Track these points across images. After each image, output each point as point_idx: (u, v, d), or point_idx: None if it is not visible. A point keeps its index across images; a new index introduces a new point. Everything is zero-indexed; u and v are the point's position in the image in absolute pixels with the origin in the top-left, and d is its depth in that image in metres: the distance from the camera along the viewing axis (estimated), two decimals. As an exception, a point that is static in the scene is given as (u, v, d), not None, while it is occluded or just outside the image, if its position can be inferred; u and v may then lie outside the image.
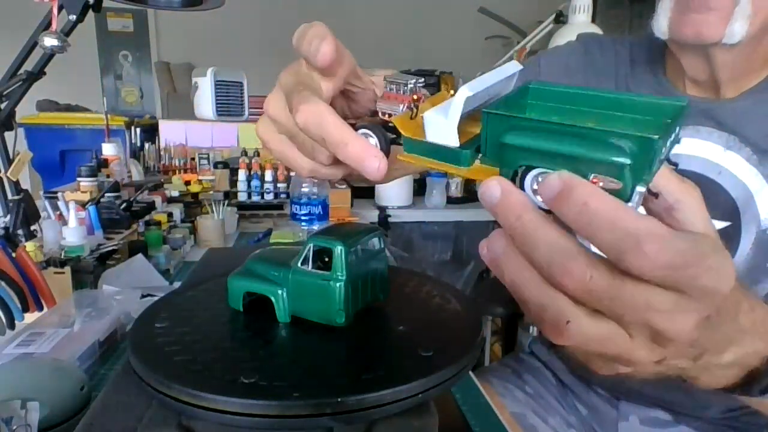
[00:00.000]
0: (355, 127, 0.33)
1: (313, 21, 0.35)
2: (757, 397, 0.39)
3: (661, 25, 0.61)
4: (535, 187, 0.26)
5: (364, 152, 0.31)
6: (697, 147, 0.66)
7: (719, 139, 0.65)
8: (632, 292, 0.24)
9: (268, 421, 0.29)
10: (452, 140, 0.29)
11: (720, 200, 0.65)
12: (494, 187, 0.26)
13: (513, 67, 0.32)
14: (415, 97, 0.33)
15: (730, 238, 0.64)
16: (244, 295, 0.39)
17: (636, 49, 0.74)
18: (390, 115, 0.33)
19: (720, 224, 0.65)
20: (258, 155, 1.56)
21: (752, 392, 0.39)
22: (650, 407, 0.75)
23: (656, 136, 0.23)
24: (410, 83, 0.33)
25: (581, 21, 1.60)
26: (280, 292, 0.37)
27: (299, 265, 0.37)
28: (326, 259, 0.36)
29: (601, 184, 0.24)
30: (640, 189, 0.24)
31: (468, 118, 0.29)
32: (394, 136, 0.33)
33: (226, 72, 1.81)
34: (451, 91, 0.32)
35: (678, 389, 0.70)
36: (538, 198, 0.26)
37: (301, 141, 0.36)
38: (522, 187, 0.27)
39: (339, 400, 0.29)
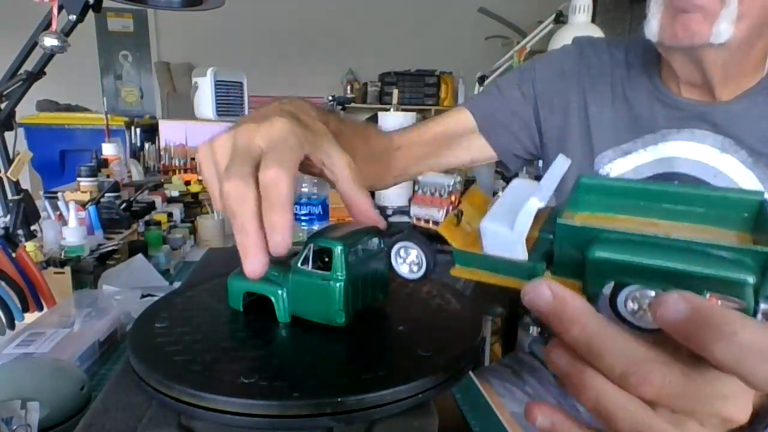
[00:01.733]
0: (394, 241, 0.31)
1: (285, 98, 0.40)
2: None
3: (652, 27, 0.62)
4: (633, 307, 0.24)
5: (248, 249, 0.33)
6: (692, 150, 0.66)
7: (714, 141, 0.65)
8: (703, 387, 0.23)
9: (268, 421, 0.29)
10: (520, 253, 0.27)
11: None
12: (544, 290, 0.23)
13: (563, 162, 0.30)
14: (453, 198, 0.30)
15: None
16: (244, 295, 0.39)
17: (632, 51, 0.75)
18: (426, 221, 0.30)
19: None
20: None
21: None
22: (650, 407, 0.75)
23: None
24: (448, 184, 0.30)
25: (581, 21, 1.60)
26: (280, 292, 0.37)
27: (299, 265, 0.37)
28: (326, 259, 0.36)
29: (719, 303, 0.22)
30: (764, 306, 0.22)
31: None
32: (437, 244, 0.30)
33: (226, 72, 1.81)
34: (486, 197, 0.30)
35: None
36: (644, 318, 0.24)
37: None
38: (614, 307, 0.24)
39: (339, 400, 0.29)
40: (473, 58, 3.66)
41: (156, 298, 0.47)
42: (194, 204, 1.30)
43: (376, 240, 0.38)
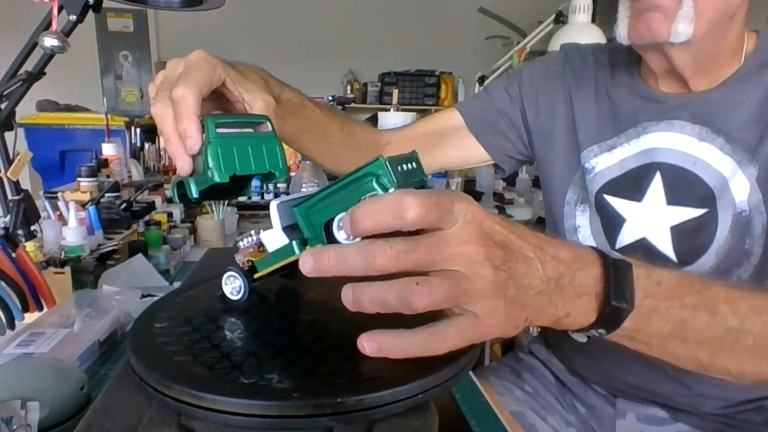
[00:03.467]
0: (225, 269, 0.43)
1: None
2: (629, 324, 0.37)
3: (621, 31, 0.66)
4: (338, 230, 0.35)
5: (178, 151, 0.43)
6: (672, 140, 0.68)
7: (692, 131, 0.67)
8: (421, 243, 0.31)
9: (268, 421, 0.29)
10: (283, 240, 0.39)
11: (697, 189, 0.67)
12: (306, 257, 0.33)
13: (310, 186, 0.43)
14: (259, 243, 0.42)
15: (707, 224, 0.66)
16: (176, 184, 0.45)
17: (615, 53, 0.77)
18: (246, 262, 0.43)
19: (697, 212, 0.67)
20: (258, 155, 1.56)
21: (612, 316, 0.36)
22: (647, 404, 0.76)
23: (383, 160, 0.34)
24: (253, 235, 0.43)
25: (581, 21, 1.60)
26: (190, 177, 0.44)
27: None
28: None
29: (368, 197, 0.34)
30: (392, 190, 0.34)
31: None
32: (253, 276, 0.42)
33: (226, 72, 1.80)
34: None
35: (673, 380, 0.71)
36: (342, 234, 0.34)
37: None
38: (336, 241, 0.35)
39: (339, 400, 0.29)
40: (473, 58, 3.66)
41: (156, 298, 0.47)
42: (194, 204, 1.30)
43: (267, 124, 0.46)
